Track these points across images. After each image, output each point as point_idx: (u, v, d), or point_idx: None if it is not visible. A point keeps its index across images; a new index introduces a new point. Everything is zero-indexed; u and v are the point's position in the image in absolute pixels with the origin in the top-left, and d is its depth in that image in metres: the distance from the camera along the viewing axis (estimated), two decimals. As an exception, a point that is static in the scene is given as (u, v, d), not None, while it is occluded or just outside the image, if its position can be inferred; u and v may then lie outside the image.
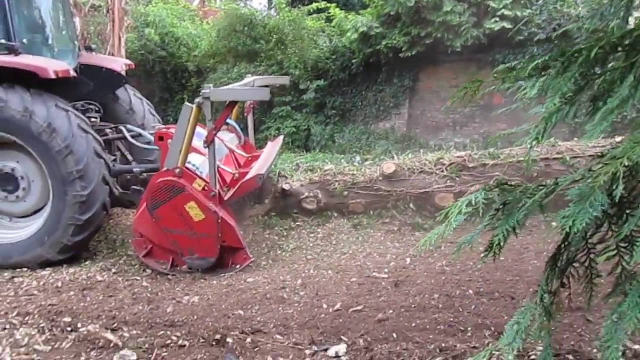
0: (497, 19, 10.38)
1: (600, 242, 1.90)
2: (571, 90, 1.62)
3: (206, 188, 4.90)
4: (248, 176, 5.22)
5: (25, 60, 5.13)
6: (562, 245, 1.90)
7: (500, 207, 1.99)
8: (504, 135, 2.71)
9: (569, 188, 1.60)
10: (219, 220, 4.86)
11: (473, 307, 3.82)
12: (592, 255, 1.94)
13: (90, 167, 5.14)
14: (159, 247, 5.14)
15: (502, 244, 1.90)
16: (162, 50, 14.50)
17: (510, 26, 10.25)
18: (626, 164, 1.42)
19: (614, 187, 1.45)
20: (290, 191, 6.60)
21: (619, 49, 1.52)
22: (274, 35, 13.15)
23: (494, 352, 1.87)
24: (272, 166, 6.38)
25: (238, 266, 5.02)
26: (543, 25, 10.31)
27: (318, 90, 12.67)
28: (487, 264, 4.77)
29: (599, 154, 1.81)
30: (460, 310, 3.78)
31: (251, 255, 5.15)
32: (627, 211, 1.67)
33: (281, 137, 7.29)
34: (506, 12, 10.33)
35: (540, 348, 2.83)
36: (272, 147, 6.50)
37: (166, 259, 5.16)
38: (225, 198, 5.08)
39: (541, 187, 1.85)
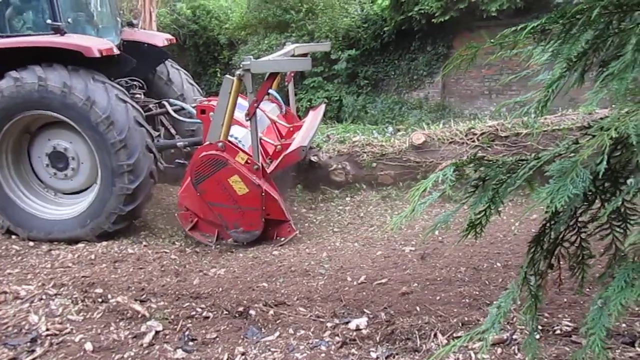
0: (536, -20, 9.91)
1: (593, 220, 1.79)
2: (575, 55, 1.50)
3: (249, 161, 4.92)
4: (291, 148, 5.19)
5: (70, 40, 5.21)
6: (548, 225, 1.81)
7: (479, 183, 1.90)
8: (509, 103, 2.58)
9: (552, 162, 1.50)
10: (263, 194, 4.89)
11: (500, 280, 3.75)
12: (583, 235, 1.83)
13: (140, 162, 5.23)
14: (204, 221, 5.22)
15: (484, 222, 1.83)
16: (194, 23, 14.52)
17: (549, -12, 9.78)
18: (613, 136, 1.31)
19: (599, 162, 1.34)
20: (319, 163, 6.58)
21: (624, 8, 1.38)
22: (305, 5, 12.96)
23: (473, 336, 1.81)
24: (315, 137, 6.31)
25: (283, 239, 5.06)
26: (585, -14, 9.80)
27: (350, 60, 12.49)
28: (517, 236, 4.66)
29: (586, 125, 1.69)
30: (487, 283, 3.72)
31: (296, 228, 5.16)
32: (620, 187, 1.55)
33: (323, 105, 7.22)
34: (545, -27, 9.85)
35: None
36: (314, 117, 6.43)
37: (212, 232, 5.23)
38: (268, 171, 5.09)
39: (521, 162, 1.75)
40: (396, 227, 2.01)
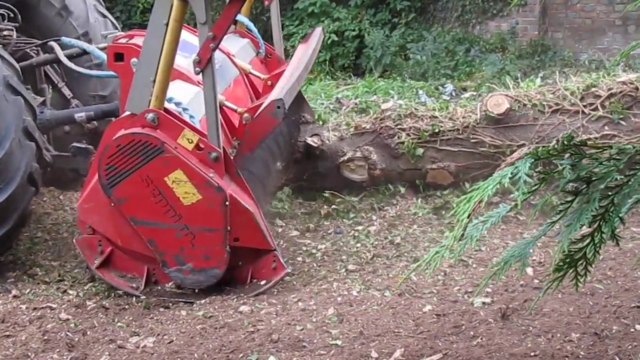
0: None
1: None
2: None
3: (202, 145, 4.89)
4: (259, 111, 5.23)
5: None
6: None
7: (581, 187, 1.89)
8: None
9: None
10: (227, 202, 4.88)
11: (641, 355, 3.77)
12: None
13: (12, 157, 5.27)
14: (124, 251, 5.23)
15: (590, 256, 1.83)
16: None
17: None
18: None
19: None
20: (322, 149, 6.59)
21: None
22: None
23: None
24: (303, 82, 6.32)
25: (264, 282, 5.08)
26: None
27: (377, -34, 12.58)
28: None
29: None
30: (618, 360, 3.74)
31: (286, 265, 5.16)
32: None
33: (318, 30, 7.24)
34: None
35: None
36: (303, 53, 6.48)
37: (138, 272, 5.25)
38: (235, 160, 5.10)
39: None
40: (433, 266, 2.01)
